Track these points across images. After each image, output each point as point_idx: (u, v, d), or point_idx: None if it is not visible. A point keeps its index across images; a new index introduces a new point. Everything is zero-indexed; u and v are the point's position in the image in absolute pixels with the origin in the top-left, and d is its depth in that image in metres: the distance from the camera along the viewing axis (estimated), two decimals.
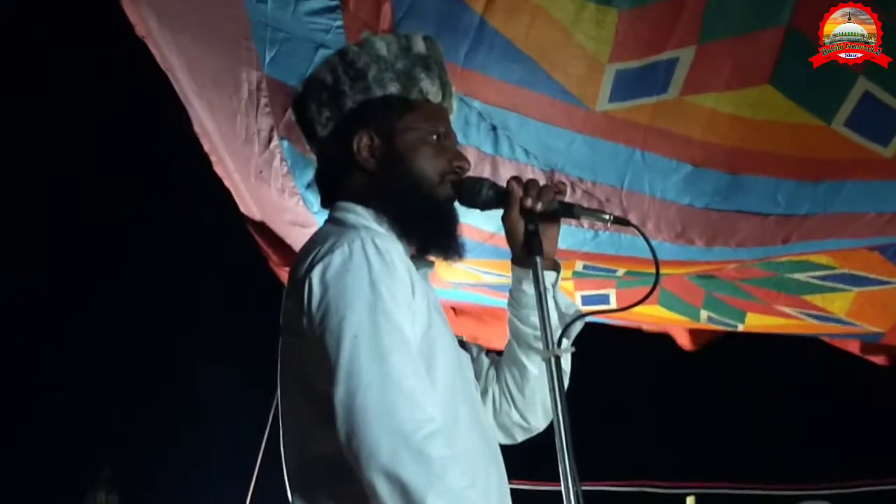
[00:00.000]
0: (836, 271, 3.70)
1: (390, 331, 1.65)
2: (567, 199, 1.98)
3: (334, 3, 2.66)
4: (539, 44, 2.69)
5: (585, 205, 3.15)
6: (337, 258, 1.70)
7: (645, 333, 4.84)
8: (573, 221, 3.21)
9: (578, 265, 3.77)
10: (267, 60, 2.88)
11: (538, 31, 2.65)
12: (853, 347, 4.44)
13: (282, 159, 3.30)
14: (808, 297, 3.92)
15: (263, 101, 3.05)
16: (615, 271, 3.82)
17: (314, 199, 3.29)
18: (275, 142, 3.22)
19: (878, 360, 4.45)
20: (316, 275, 1.69)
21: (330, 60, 1.98)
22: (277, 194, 3.48)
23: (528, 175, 3.07)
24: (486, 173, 3.09)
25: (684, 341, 4.79)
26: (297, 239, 3.77)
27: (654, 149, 2.97)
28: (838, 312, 3.95)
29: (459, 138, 2.91)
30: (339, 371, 1.61)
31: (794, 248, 3.42)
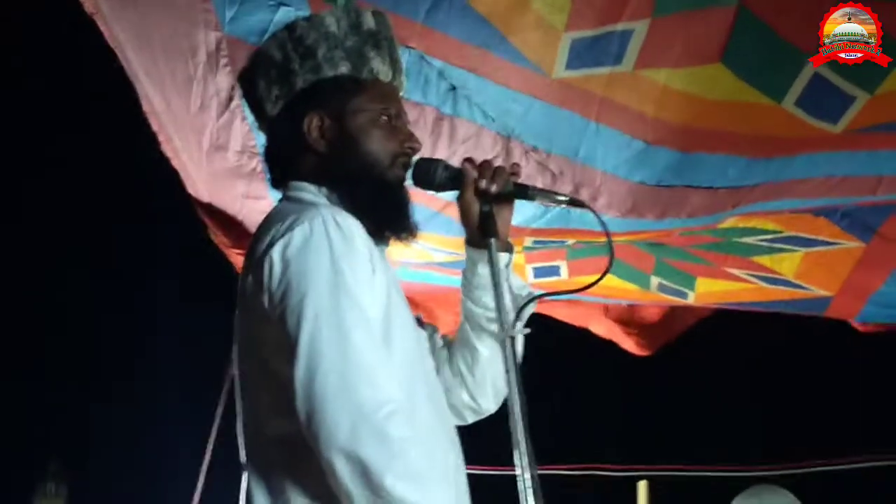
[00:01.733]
0: (783, 234, 3.77)
1: (352, 309, 1.64)
2: (519, 178, 1.98)
3: None
4: (497, 9, 2.70)
5: (539, 177, 3.16)
6: (297, 235, 1.68)
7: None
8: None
9: (528, 240, 3.79)
10: (227, 20, 2.84)
11: None
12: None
13: (243, 118, 3.24)
14: (757, 259, 3.98)
15: (223, 60, 3.00)
16: (564, 242, 3.85)
17: None
18: (235, 101, 3.16)
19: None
20: (276, 252, 1.67)
21: (278, 36, 1.95)
22: (235, 160, 3.42)
23: (485, 139, 3.12)
24: (444, 133, 3.09)
25: (631, 347, 4.87)
26: (248, 215, 3.72)
27: (608, 122, 3.00)
28: (787, 273, 4.02)
29: (418, 96, 2.97)
30: (299, 350, 1.59)
31: (742, 210, 3.48)
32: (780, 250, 3.89)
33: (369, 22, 1.95)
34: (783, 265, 3.97)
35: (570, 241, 3.88)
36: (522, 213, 3.37)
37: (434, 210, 3.26)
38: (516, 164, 2.00)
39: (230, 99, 3.13)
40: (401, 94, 2.01)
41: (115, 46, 3.03)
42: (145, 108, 3.34)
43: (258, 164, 3.40)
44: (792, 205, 3.50)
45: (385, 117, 1.91)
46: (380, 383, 1.59)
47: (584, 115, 2.98)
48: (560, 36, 2.72)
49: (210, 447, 4.32)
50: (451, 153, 3.09)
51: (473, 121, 3.08)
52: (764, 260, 3.96)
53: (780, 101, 2.83)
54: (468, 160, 1.95)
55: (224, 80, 3.05)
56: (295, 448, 1.63)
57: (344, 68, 1.90)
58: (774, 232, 3.74)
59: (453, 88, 2.97)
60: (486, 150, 3.12)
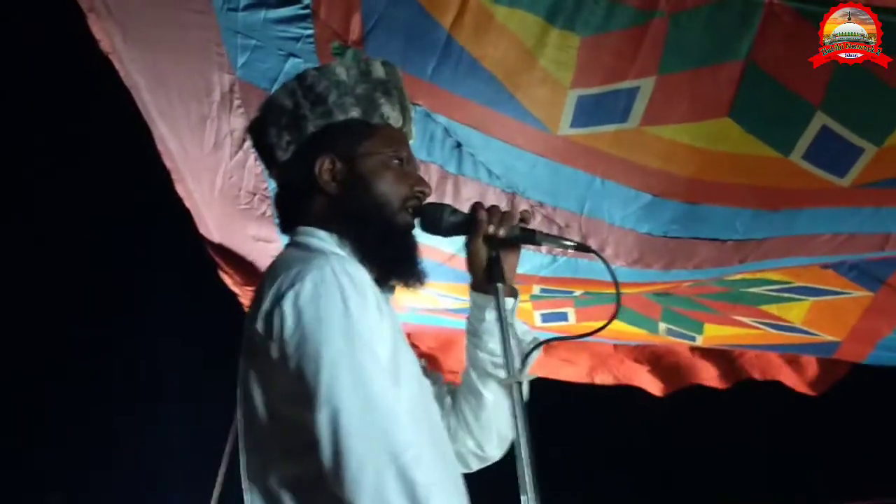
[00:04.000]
0: (791, 284, 3.77)
1: (368, 357, 1.65)
2: (528, 225, 1.99)
3: (305, 11, 2.64)
4: (504, 64, 2.69)
5: (545, 230, 3.17)
6: (308, 284, 1.68)
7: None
8: (531, 246, 3.23)
9: (536, 289, 3.78)
10: (239, 65, 2.87)
11: (503, 51, 2.65)
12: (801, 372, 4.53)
13: (256, 158, 3.25)
14: (765, 307, 3.98)
15: (237, 102, 3.03)
16: (572, 292, 3.84)
17: None
18: (248, 143, 3.16)
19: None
20: (288, 302, 1.68)
21: (288, 85, 1.97)
22: (246, 201, 3.45)
23: (490, 196, 3.12)
24: (448, 192, 3.11)
25: (654, 389, 4.83)
26: (258, 257, 3.76)
27: (613, 177, 2.99)
28: (795, 321, 4.02)
29: (423, 154, 2.98)
30: (319, 397, 1.60)
31: (749, 267, 3.46)
32: (788, 300, 3.88)
33: (378, 71, 1.98)
34: (791, 313, 3.96)
35: (578, 293, 3.88)
36: (531, 261, 3.39)
37: (438, 262, 3.26)
38: (525, 210, 2.00)
39: (244, 140, 3.17)
40: (410, 141, 2.03)
41: (131, 87, 3.10)
42: (160, 148, 3.40)
43: (268, 208, 3.44)
44: (799, 262, 3.49)
45: (396, 161, 1.93)
46: (402, 427, 1.61)
47: (589, 171, 2.98)
48: (566, 93, 2.72)
49: (217, 489, 4.31)
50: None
51: (478, 179, 3.10)
52: (772, 308, 3.95)
53: (787, 155, 2.82)
54: (477, 205, 1.96)
55: (238, 121, 3.09)
56: (305, 491, 1.66)
57: (355, 113, 1.93)
58: (782, 283, 3.73)
59: (458, 146, 2.98)
60: None
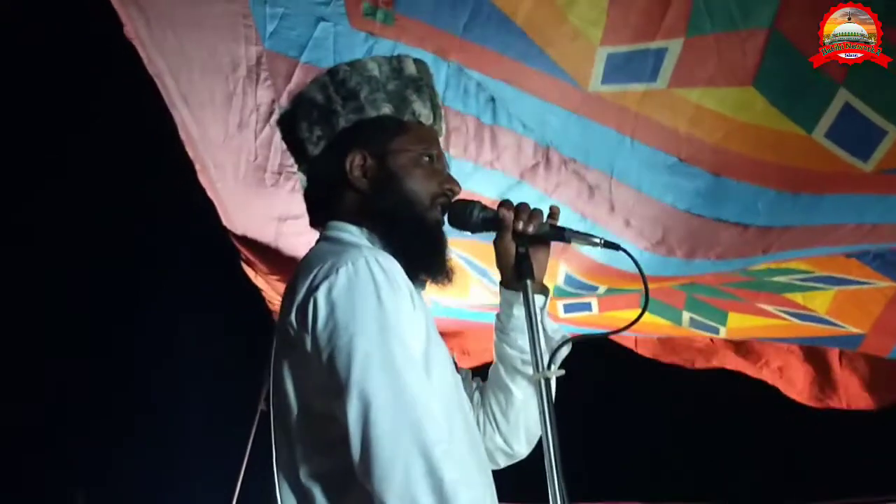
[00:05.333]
0: (815, 273, 3.77)
1: (401, 349, 1.66)
2: (556, 221, 2.00)
3: None
4: (534, 21, 2.72)
5: (576, 189, 3.23)
6: (342, 276, 1.69)
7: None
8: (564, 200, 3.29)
9: (560, 278, 3.78)
10: (267, 35, 2.88)
11: (533, 7, 2.69)
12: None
13: None
14: (789, 295, 3.98)
15: (264, 74, 3.04)
16: (596, 289, 3.85)
17: None
18: (276, 115, 3.19)
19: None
20: (321, 294, 1.69)
21: (320, 79, 2.01)
22: (272, 181, 3.46)
23: (526, 147, 3.16)
24: (485, 143, 3.15)
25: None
26: (284, 240, 3.78)
27: (643, 138, 3.03)
28: (819, 310, 4.01)
29: (459, 106, 3.02)
30: (350, 390, 1.60)
31: (773, 257, 3.49)
32: (812, 288, 3.89)
33: (410, 68, 2.01)
34: (815, 302, 3.96)
35: (602, 290, 3.89)
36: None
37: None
38: (554, 207, 2.02)
39: (270, 113, 3.16)
40: (440, 138, 2.06)
41: (154, 74, 3.09)
42: (182, 136, 3.37)
43: (296, 182, 3.41)
44: (823, 252, 3.51)
45: (427, 158, 1.96)
46: (433, 422, 1.61)
47: (619, 130, 3.02)
48: (595, 50, 2.76)
49: (239, 485, 4.32)
50: (493, 157, 3.16)
51: (513, 130, 3.12)
52: (796, 297, 3.96)
53: (810, 132, 2.84)
54: (505, 202, 1.98)
55: (265, 93, 3.09)
56: (336, 485, 1.67)
57: (387, 109, 1.96)
58: (806, 272, 3.74)
59: (492, 99, 3.02)
60: (528, 157, 3.19)
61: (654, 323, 4.33)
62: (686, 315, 4.25)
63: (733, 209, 3.19)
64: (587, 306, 4.20)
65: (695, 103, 2.86)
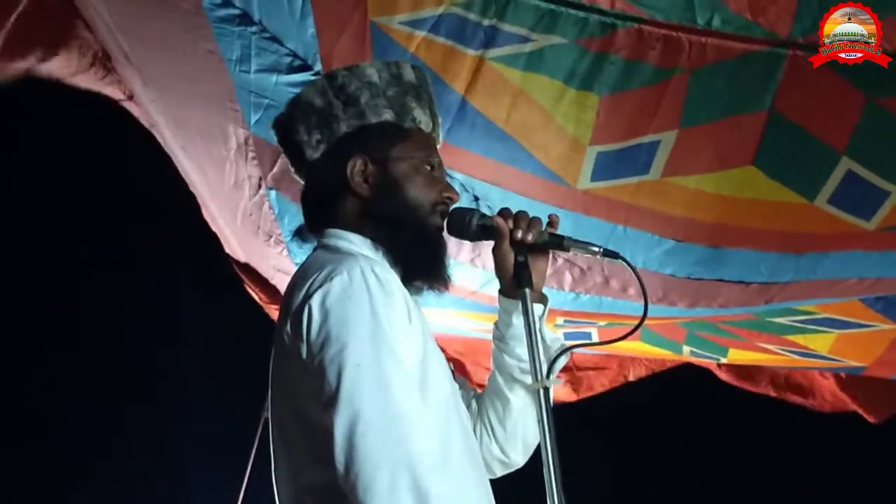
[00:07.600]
0: (817, 316, 3.71)
1: (392, 361, 1.64)
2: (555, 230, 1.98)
3: (316, 77, 2.60)
4: (520, 125, 2.68)
5: (568, 273, 3.15)
6: (337, 285, 1.68)
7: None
8: (554, 285, 3.21)
9: (559, 320, 3.77)
10: (252, 121, 2.88)
11: (519, 113, 2.64)
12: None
13: (270, 207, 3.31)
14: (790, 337, 3.94)
15: (251, 154, 3.05)
16: (596, 322, 3.83)
17: (298, 251, 3.29)
18: (262, 191, 3.23)
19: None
20: (316, 302, 1.67)
21: (318, 83, 1.97)
22: (264, 239, 3.48)
23: None
24: (466, 243, 3.06)
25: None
26: (281, 282, 3.78)
27: (636, 224, 2.97)
28: (820, 350, 4.00)
29: None
30: (339, 400, 1.59)
31: (775, 307, 3.45)
32: (814, 331, 3.85)
33: (409, 74, 1.98)
34: (816, 343, 3.93)
35: (601, 323, 3.86)
36: (554, 298, 3.34)
37: (461, 297, 3.24)
38: (554, 215, 2.00)
39: (259, 186, 3.19)
40: (438, 146, 2.02)
41: (150, 126, 3.10)
42: (184, 175, 3.44)
43: (284, 248, 3.47)
44: (824, 301, 3.46)
45: (427, 166, 1.94)
46: (420, 436, 1.59)
47: (610, 220, 2.96)
48: (585, 150, 2.70)
49: (242, 492, 4.35)
50: (475, 255, 3.10)
51: None
52: (797, 338, 3.92)
53: (812, 200, 2.78)
54: (504, 210, 1.95)
55: (253, 170, 3.12)
56: (329, 498, 1.63)
57: (388, 115, 1.93)
58: (807, 314, 3.68)
59: (476, 200, 2.97)
60: None
61: (655, 353, 4.33)
62: (686, 348, 4.24)
63: (735, 271, 3.14)
64: (587, 336, 4.19)
65: (692, 189, 2.80)
